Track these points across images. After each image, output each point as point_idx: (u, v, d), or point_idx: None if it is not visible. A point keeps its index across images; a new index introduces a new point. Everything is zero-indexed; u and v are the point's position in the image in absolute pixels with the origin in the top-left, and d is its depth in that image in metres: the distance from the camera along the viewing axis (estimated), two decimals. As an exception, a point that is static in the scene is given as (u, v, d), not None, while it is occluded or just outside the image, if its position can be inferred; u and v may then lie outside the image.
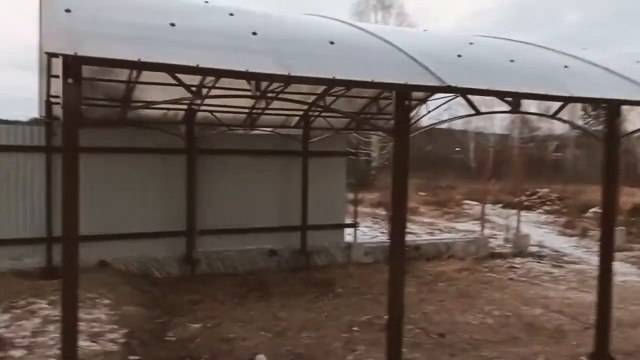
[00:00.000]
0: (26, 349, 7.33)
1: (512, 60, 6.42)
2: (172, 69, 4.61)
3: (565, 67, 6.69)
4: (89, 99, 11.49)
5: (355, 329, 9.13)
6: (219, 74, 4.67)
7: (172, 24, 5.08)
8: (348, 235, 15.46)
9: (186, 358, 7.80)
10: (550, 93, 5.86)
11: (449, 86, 5.17)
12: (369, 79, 4.98)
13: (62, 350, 4.87)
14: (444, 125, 59.51)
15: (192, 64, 4.40)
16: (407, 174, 5.55)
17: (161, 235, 13.07)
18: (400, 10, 40.59)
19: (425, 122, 11.74)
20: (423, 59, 5.48)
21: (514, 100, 5.78)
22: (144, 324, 8.77)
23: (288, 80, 4.64)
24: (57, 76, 10.59)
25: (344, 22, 7.30)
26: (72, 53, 4.12)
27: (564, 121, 9.51)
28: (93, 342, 7.65)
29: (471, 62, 6.08)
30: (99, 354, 7.27)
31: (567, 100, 6.16)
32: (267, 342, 8.43)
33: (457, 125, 56.89)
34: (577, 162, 51.93)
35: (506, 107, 6.08)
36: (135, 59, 4.40)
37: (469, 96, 5.85)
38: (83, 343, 7.11)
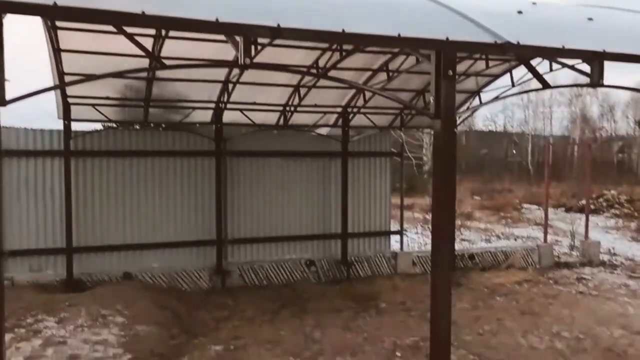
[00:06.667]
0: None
1: (590, 19, 4.94)
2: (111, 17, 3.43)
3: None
4: (105, 98, 10.75)
5: (398, 354, 7.81)
6: (171, 23, 3.48)
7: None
8: (395, 243, 14.12)
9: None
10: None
11: (508, 43, 3.79)
12: (393, 34, 3.67)
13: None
14: (500, 127, 57.42)
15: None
16: (453, 166, 4.23)
17: (190, 244, 12.17)
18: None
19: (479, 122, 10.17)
20: (472, 13, 4.13)
21: (594, 65, 4.33)
22: (154, 347, 7.72)
23: (276, 33, 3.38)
24: (67, 73, 9.94)
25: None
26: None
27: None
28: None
29: (536, 19, 4.68)
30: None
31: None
32: (293, 371, 7.26)
33: (514, 127, 54.70)
34: (646, 163, 48.90)
35: (583, 80, 4.63)
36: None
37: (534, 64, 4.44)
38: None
